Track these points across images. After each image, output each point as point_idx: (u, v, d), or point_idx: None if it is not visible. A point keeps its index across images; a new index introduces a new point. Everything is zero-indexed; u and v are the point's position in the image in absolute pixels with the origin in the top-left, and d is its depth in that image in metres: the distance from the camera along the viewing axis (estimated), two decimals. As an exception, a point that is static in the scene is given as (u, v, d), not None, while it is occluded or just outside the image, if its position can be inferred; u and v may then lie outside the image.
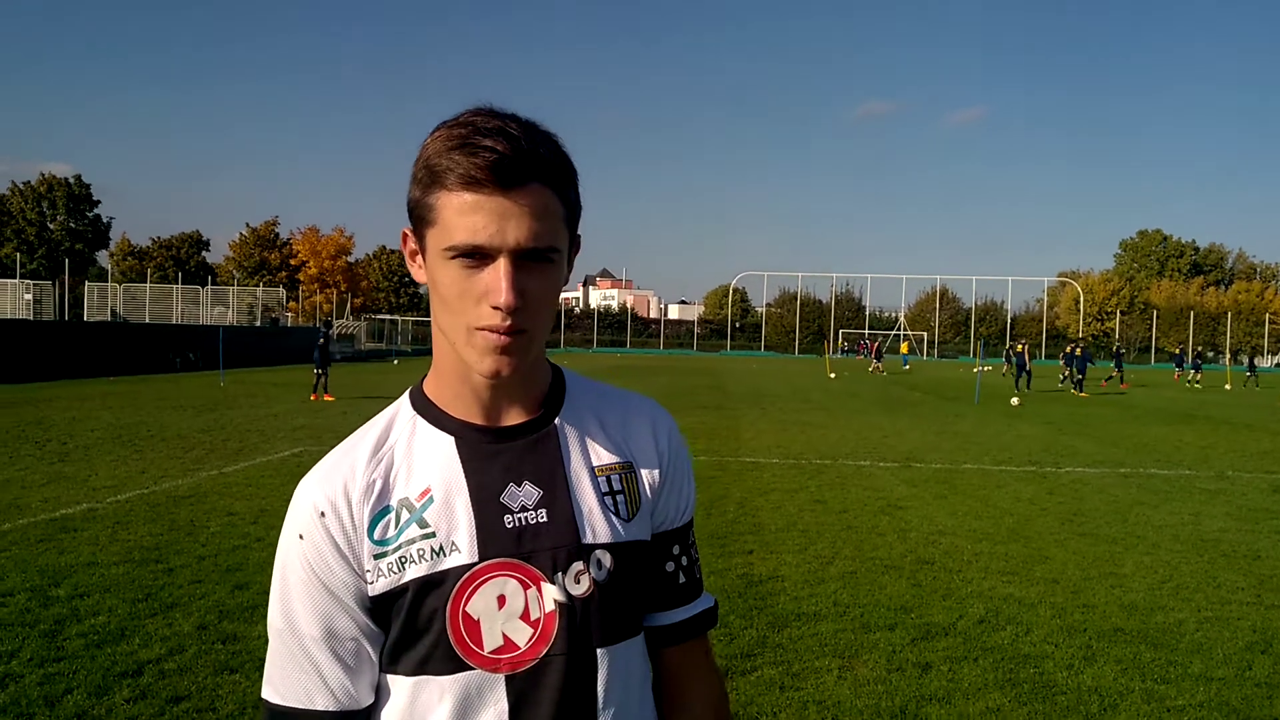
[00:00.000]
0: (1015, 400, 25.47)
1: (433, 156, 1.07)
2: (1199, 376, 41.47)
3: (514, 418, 1.20)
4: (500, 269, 1.06)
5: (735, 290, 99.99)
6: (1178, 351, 50.63)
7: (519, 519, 1.15)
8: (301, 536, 1.15)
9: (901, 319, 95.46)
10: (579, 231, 1.19)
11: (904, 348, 59.01)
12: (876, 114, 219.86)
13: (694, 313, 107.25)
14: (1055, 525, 8.56)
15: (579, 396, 1.27)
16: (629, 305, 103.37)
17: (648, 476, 1.25)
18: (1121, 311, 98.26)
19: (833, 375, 40.11)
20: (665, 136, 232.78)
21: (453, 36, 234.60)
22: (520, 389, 1.20)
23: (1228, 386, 39.30)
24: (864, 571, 6.71)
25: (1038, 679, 4.66)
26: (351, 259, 68.65)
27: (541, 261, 1.09)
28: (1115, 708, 4.31)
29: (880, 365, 47.65)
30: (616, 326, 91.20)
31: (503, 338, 1.07)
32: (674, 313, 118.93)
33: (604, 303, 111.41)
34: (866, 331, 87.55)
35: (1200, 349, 59.80)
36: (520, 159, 1.05)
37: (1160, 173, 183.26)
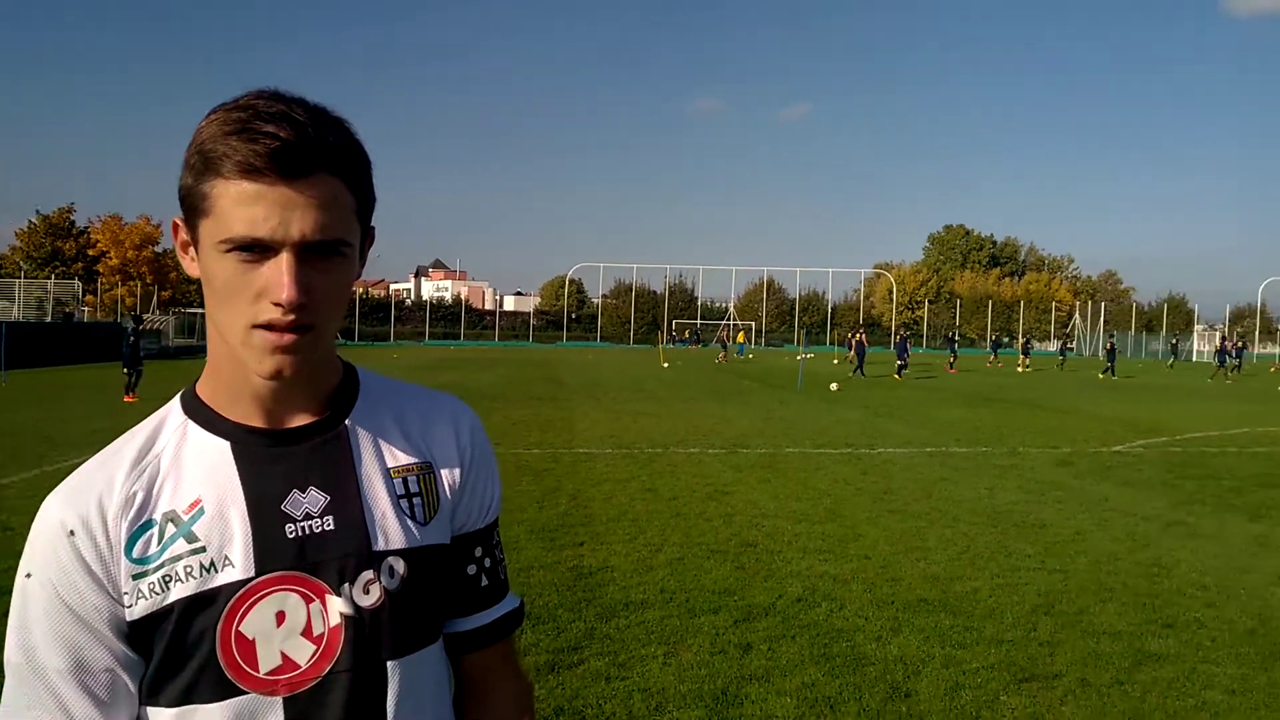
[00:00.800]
0: (835, 386, 26.73)
1: (207, 141, 1.00)
2: (1028, 361, 46.49)
3: (299, 419, 1.13)
4: (283, 264, 0.99)
5: (571, 281, 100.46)
6: (994, 338, 55.17)
7: (302, 528, 1.08)
8: (44, 559, 1.04)
9: (731, 309, 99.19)
10: (373, 223, 1.12)
11: (740, 337, 60.93)
12: (709, 110, 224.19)
13: (530, 304, 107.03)
14: (868, 504, 9.02)
15: (373, 395, 1.20)
16: (463, 296, 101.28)
17: (448, 477, 1.20)
18: (929, 301, 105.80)
19: (665, 365, 40.81)
20: (500, 127, 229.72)
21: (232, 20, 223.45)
22: (305, 389, 1.12)
23: (1019, 369, 42.93)
24: (691, 557, 6.87)
25: (849, 652, 4.91)
26: (159, 249, 64.36)
27: (329, 255, 1.02)
28: (918, 674, 4.60)
29: (726, 355, 49.34)
30: (450, 318, 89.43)
31: (285, 336, 1.01)
32: (510, 304, 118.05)
33: (436, 294, 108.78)
34: (698, 322, 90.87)
35: (1028, 336, 66.10)
36: (306, 147, 0.99)
37: (965, 170, 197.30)
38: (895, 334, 40.28)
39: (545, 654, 4.82)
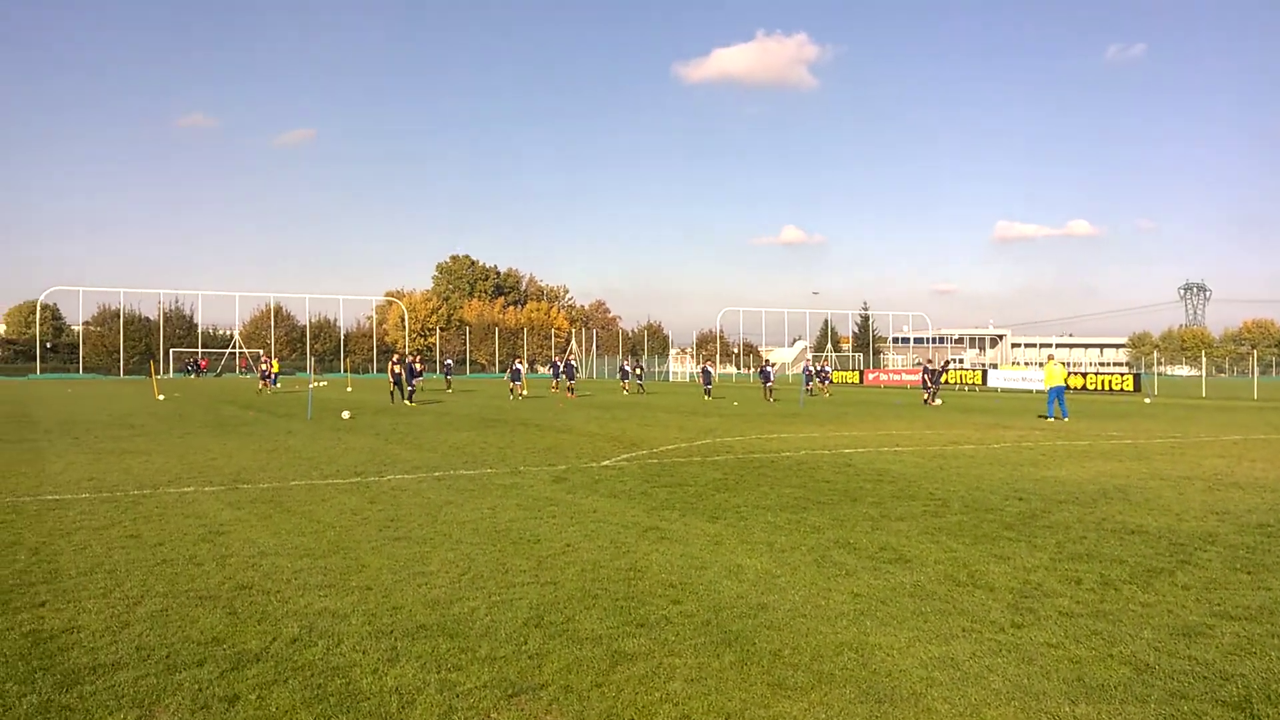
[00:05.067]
0: (347, 414, 26.34)
1: None
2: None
3: None
4: None
5: (44, 307, 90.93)
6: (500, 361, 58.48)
7: None
8: None
9: (237, 336, 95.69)
10: None
11: (275, 365, 58.17)
12: (200, 127, 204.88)
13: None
14: (373, 532, 8.97)
15: None
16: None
17: None
18: (441, 327, 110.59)
19: (161, 397, 37.13)
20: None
21: None
22: None
23: (522, 393, 45.70)
24: (176, 607, 6.29)
25: (345, 689, 4.83)
26: None
27: None
28: (413, 703, 4.65)
29: (266, 385, 47.66)
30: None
31: None
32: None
33: None
34: (200, 350, 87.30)
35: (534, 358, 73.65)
36: None
37: (467, 203, 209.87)
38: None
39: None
